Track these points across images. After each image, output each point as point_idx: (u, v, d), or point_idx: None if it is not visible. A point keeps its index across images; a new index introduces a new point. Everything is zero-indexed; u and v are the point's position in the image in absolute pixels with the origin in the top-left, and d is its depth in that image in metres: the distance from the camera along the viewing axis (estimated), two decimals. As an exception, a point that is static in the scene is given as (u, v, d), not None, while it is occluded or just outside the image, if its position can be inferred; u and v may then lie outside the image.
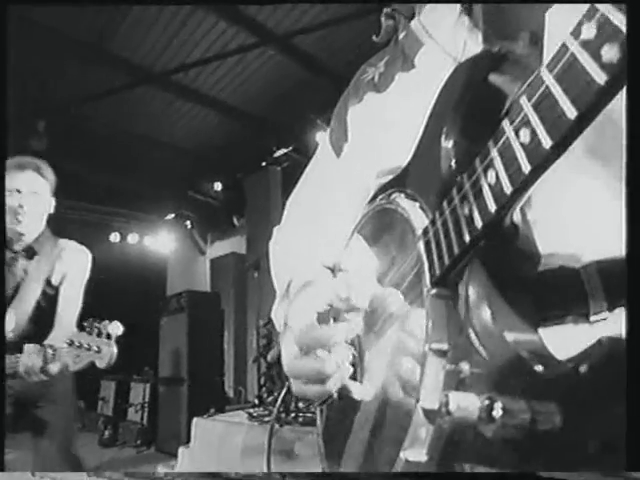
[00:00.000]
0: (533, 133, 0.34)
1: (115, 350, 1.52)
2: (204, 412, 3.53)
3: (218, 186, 5.48)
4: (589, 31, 0.30)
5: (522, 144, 0.35)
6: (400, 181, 0.61)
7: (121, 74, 4.14)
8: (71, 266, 1.91)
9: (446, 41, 0.68)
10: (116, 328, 1.52)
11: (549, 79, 0.33)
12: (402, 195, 0.58)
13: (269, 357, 3.63)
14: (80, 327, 1.64)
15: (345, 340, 0.57)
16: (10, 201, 1.77)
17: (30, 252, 1.86)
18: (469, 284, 0.44)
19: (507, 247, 0.43)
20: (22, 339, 1.68)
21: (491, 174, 0.39)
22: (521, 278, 0.44)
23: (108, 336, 1.53)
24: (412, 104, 0.62)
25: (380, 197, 0.65)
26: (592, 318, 0.47)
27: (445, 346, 0.44)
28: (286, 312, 0.67)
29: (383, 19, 0.81)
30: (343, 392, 0.56)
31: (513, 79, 0.45)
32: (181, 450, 3.15)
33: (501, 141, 0.38)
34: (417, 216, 0.53)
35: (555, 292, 0.47)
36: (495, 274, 0.42)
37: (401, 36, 0.78)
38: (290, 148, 4.78)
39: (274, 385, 3.58)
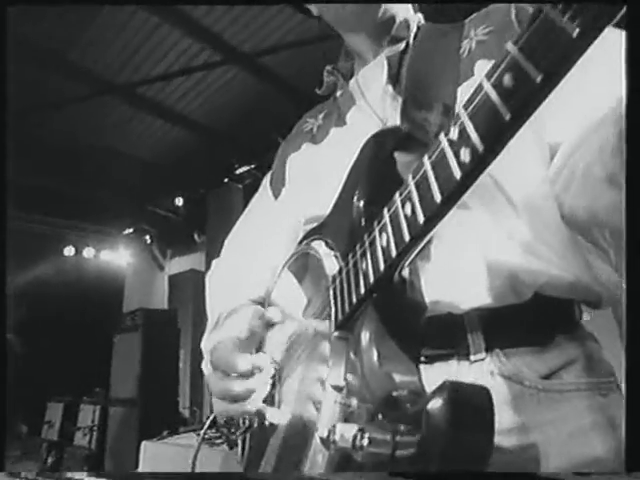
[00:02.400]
0: (413, 208, 0.42)
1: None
2: (157, 434, 3.39)
3: (179, 201, 5.39)
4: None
5: (405, 215, 0.43)
6: (321, 230, 0.68)
7: (82, 84, 4.05)
8: None
9: (375, 104, 0.76)
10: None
11: (444, 141, 0.39)
12: (322, 243, 0.65)
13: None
14: None
15: (263, 367, 0.62)
16: None
17: None
18: (362, 329, 0.50)
19: (397, 298, 0.50)
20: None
21: (384, 237, 0.46)
22: (409, 324, 0.51)
23: None
24: (340, 159, 0.68)
25: (305, 241, 0.71)
26: (472, 358, 0.56)
27: (341, 383, 0.50)
28: (211, 342, 0.70)
29: (325, 75, 0.89)
30: (260, 415, 0.60)
31: (413, 158, 0.52)
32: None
33: (392, 209, 0.46)
34: (331, 264, 0.59)
35: (440, 335, 0.56)
36: (385, 321, 0.49)
37: (339, 93, 0.86)
38: (252, 166, 4.78)
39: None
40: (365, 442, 0.39)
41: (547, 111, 0.32)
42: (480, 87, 0.35)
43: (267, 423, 0.61)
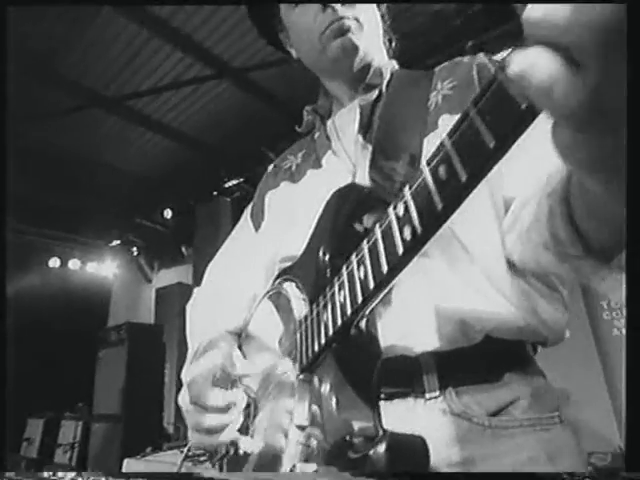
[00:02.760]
0: (365, 272, 0.47)
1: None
2: (140, 451, 3.32)
3: (168, 213, 5.35)
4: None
5: (359, 278, 0.47)
6: (293, 271, 0.72)
7: (72, 96, 4.04)
8: None
9: (349, 149, 0.80)
10: None
11: (392, 215, 0.44)
12: (293, 285, 0.69)
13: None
14: None
15: (237, 402, 0.66)
16: None
17: None
18: (323, 376, 0.56)
19: (354, 348, 0.54)
20: None
21: (342, 294, 0.51)
22: (366, 372, 0.54)
23: None
24: (315, 202, 0.71)
25: (279, 280, 0.75)
26: (427, 396, 0.60)
27: (304, 423, 0.54)
28: (188, 375, 0.74)
29: (305, 114, 0.93)
30: (234, 445, 0.64)
31: (375, 216, 0.55)
32: (110, 495, 2.92)
33: (349, 269, 0.50)
34: (299, 307, 0.64)
35: (399, 375, 0.60)
36: (344, 370, 0.54)
37: (316, 135, 0.90)
38: (241, 179, 4.79)
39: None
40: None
41: (504, 166, 0.33)
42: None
43: (241, 452, 0.64)
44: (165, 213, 5.34)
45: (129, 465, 2.89)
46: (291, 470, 0.45)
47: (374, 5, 0.85)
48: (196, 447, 0.72)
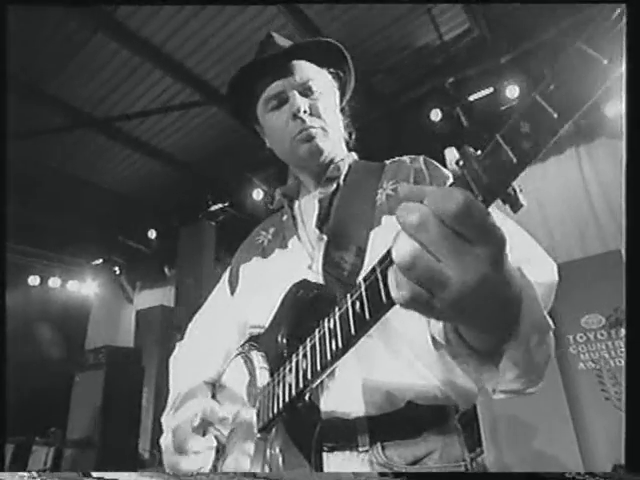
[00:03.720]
0: (306, 365, 0.64)
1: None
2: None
3: (152, 234, 5.34)
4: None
5: (303, 368, 0.65)
6: (259, 341, 0.83)
7: (58, 115, 4.06)
8: None
9: (310, 238, 0.91)
10: None
11: (326, 328, 0.61)
12: (258, 355, 0.80)
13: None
14: None
15: (211, 446, 0.79)
16: None
17: None
18: (275, 437, 0.71)
19: (299, 417, 0.70)
20: None
21: (291, 376, 0.68)
22: (307, 433, 0.71)
23: None
24: (280, 279, 0.83)
25: (247, 345, 0.86)
26: (360, 449, 0.75)
27: (260, 474, 0.68)
28: (171, 421, 0.86)
29: (276, 194, 1.05)
30: None
31: (324, 312, 0.65)
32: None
33: (294, 360, 0.68)
34: (262, 376, 0.77)
35: (338, 432, 0.76)
36: (290, 433, 0.71)
37: (284, 217, 1.01)
38: (226, 204, 4.82)
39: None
40: None
41: None
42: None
43: None
44: (149, 233, 5.33)
45: (101, 493, 2.80)
46: None
47: (337, 106, 1.00)
48: None
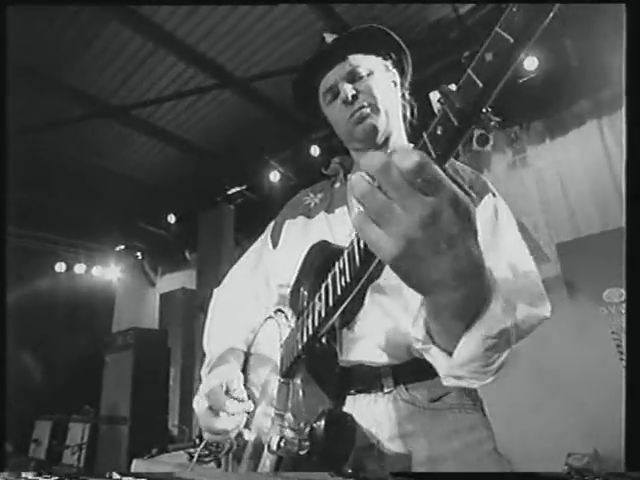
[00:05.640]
0: (320, 305, 0.72)
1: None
2: (146, 452, 3.39)
3: (172, 218, 5.44)
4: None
5: (318, 311, 0.73)
6: (285, 302, 0.93)
7: (77, 105, 4.13)
8: None
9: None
10: None
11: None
12: (282, 316, 0.89)
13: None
14: None
15: (247, 409, 0.87)
16: None
17: None
18: (296, 376, 0.80)
19: (316, 357, 0.78)
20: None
21: (308, 320, 0.76)
22: (325, 374, 0.81)
23: None
24: (321, 241, 0.89)
25: (273, 310, 0.94)
26: (385, 390, 0.85)
27: (283, 412, 0.77)
28: (205, 383, 0.92)
29: (332, 162, 1.11)
30: (240, 438, 0.86)
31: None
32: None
33: (312, 303, 0.75)
34: (285, 333, 0.87)
35: (364, 378, 0.86)
36: (310, 370, 0.79)
37: (337, 185, 1.07)
38: (244, 187, 4.86)
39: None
40: (282, 443, 0.72)
41: None
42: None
43: (242, 441, 0.86)
44: (169, 218, 5.42)
45: (137, 465, 2.97)
46: (270, 444, 0.72)
47: (391, 84, 1.04)
48: (208, 444, 0.92)
